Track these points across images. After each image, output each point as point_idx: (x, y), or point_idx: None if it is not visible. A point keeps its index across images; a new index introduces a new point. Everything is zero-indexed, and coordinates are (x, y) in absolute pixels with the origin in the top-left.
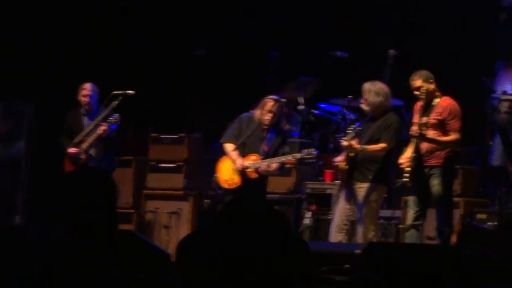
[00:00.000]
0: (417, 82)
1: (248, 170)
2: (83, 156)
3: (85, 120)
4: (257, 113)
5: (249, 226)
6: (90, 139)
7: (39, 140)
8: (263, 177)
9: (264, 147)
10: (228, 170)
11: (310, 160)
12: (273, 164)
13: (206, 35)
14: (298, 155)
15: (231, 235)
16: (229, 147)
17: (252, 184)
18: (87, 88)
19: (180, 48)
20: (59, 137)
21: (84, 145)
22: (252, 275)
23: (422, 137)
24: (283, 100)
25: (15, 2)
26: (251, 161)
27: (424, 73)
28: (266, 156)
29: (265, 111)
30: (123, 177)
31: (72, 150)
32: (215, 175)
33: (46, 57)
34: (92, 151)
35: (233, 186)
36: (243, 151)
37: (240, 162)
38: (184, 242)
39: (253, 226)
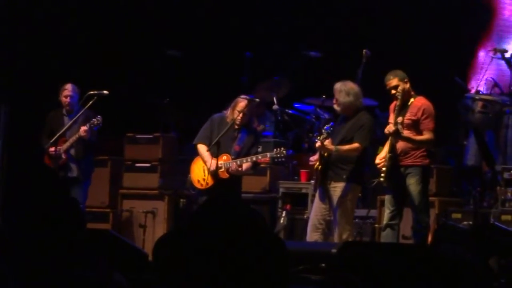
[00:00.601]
0: (393, 81)
1: (220, 170)
2: (63, 156)
3: (66, 120)
4: (228, 113)
5: (226, 226)
6: (71, 140)
7: (15, 141)
8: (236, 177)
9: (236, 147)
10: (200, 171)
11: (281, 159)
12: (244, 164)
13: (181, 36)
14: (268, 154)
15: (207, 235)
16: (201, 148)
17: (224, 184)
18: (68, 88)
19: (155, 48)
20: (39, 137)
21: (65, 145)
22: (229, 275)
23: (397, 135)
24: (255, 100)
25: None
26: (223, 161)
27: (399, 72)
28: (238, 156)
29: (236, 111)
30: (99, 177)
31: (52, 149)
32: (188, 175)
33: (21, 57)
34: (72, 151)
35: (206, 187)
36: (218, 152)
37: (212, 162)
38: (161, 241)
39: (230, 226)
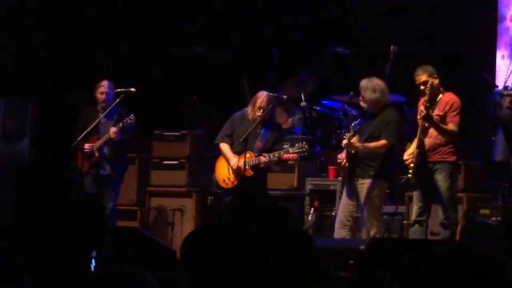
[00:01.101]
0: (422, 77)
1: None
2: (96, 154)
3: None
4: (249, 110)
5: (255, 222)
6: (103, 138)
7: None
8: (260, 174)
9: (258, 144)
10: (225, 170)
11: (303, 154)
12: (262, 157)
13: (207, 33)
14: (290, 150)
15: (236, 232)
16: (223, 146)
17: (249, 182)
18: (104, 85)
19: (182, 45)
20: (74, 133)
21: (98, 143)
22: (258, 272)
23: (428, 118)
24: (283, 96)
25: (17, 1)
26: (246, 159)
27: (429, 68)
28: (261, 152)
29: (256, 107)
30: (127, 174)
31: (87, 145)
32: (213, 174)
33: (47, 56)
34: (106, 150)
35: (231, 185)
36: (245, 148)
37: (235, 161)
38: (189, 238)
39: (259, 222)
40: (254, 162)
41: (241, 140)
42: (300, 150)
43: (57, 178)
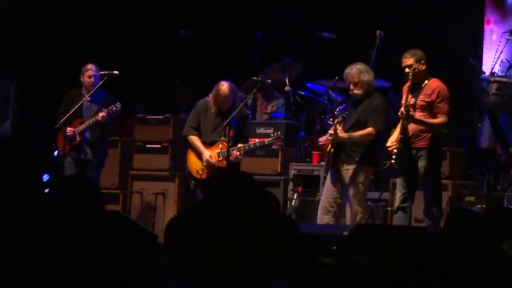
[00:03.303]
0: (409, 60)
1: (218, 159)
2: (78, 138)
3: (85, 101)
4: (211, 102)
5: (239, 207)
6: (87, 122)
7: (24, 120)
8: (233, 163)
9: (230, 132)
10: (197, 161)
11: (277, 144)
12: (234, 152)
13: (192, 16)
14: (266, 141)
15: (220, 216)
16: (193, 139)
17: (224, 172)
18: (92, 68)
19: (165, 28)
20: (55, 114)
21: (81, 127)
22: (242, 257)
23: (409, 118)
24: (267, 81)
25: None
26: (219, 149)
27: (418, 52)
28: (234, 141)
29: (220, 100)
30: (109, 158)
31: (69, 129)
32: (186, 165)
33: (31, 37)
34: (88, 134)
35: (205, 176)
36: (229, 136)
37: (207, 154)
38: (173, 223)
39: (243, 208)
40: (225, 154)
41: (225, 124)
42: (275, 139)
43: (36, 159)
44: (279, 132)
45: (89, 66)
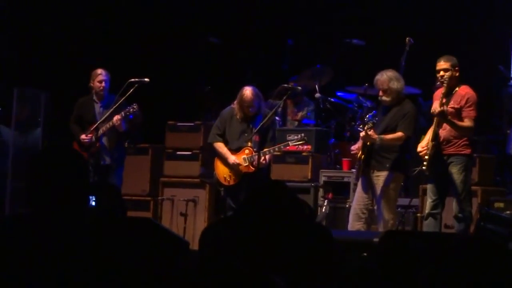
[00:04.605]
0: (445, 64)
1: (244, 165)
2: (96, 144)
3: (97, 107)
4: (236, 108)
5: (273, 214)
6: (104, 128)
7: (54, 128)
8: (262, 169)
9: (255, 137)
10: (224, 167)
11: (299, 146)
12: (267, 155)
13: (222, 23)
14: (290, 143)
15: (255, 224)
16: (218, 146)
17: (251, 178)
18: (102, 73)
19: (196, 36)
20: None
21: (98, 133)
22: (277, 263)
23: (442, 115)
24: (298, 88)
25: None
26: (245, 155)
27: (453, 58)
28: (260, 146)
29: (245, 106)
30: (140, 165)
31: (84, 137)
32: (214, 172)
33: (60, 45)
34: (105, 140)
35: (233, 183)
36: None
37: (233, 159)
38: (208, 230)
39: (276, 215)
40: (252, 159)
41: (255, 131)
42: (299, 141)
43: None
44: (302, 135)
45: (99, 71)
